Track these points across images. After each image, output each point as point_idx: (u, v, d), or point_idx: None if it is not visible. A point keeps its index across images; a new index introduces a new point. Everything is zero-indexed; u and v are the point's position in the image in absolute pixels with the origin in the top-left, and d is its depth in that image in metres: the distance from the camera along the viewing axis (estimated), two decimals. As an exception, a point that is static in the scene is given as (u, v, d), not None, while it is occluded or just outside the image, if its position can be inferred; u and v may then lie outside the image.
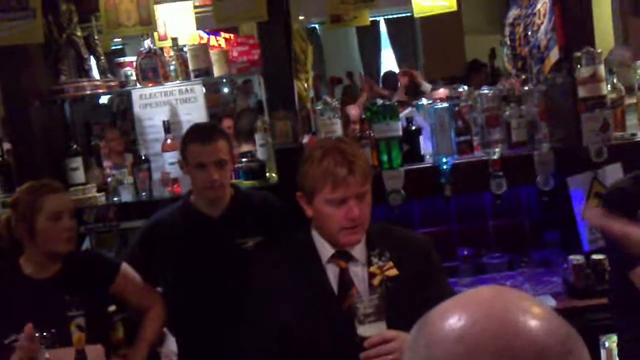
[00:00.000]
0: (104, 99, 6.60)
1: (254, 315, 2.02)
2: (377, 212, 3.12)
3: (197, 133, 2.61)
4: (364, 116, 3.20)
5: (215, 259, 2.59)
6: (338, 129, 3.01)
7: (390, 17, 9.69)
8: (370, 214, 1.99)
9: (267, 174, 3.19)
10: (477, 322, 0.71)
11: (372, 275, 1.95)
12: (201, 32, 3.86)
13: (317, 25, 9.42)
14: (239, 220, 2.61)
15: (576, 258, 2.89)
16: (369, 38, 9.82)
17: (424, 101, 3.39)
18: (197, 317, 2.60)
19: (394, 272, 1.94)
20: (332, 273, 1.98)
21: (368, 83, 5.91)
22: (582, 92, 2.83)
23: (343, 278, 1.97)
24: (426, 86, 4.98)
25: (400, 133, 3.05)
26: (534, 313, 0.72)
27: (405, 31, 9.62)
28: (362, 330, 1.78)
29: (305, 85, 3.04)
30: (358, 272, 1.98)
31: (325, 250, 1.99)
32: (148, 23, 3.16)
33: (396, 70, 9.33)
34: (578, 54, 2.86)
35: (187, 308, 2.61)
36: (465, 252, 3.16)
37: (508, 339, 0.69)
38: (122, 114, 6.23)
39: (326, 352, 1.93)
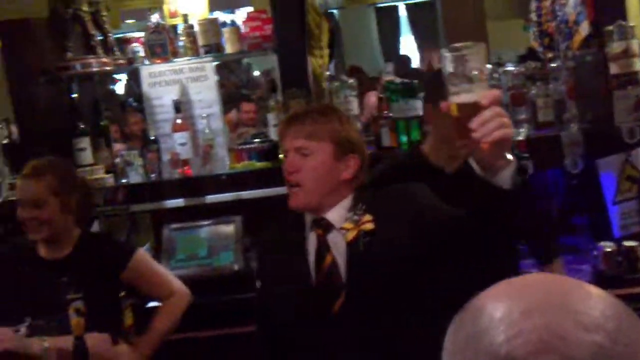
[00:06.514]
0: (114, 85, 6.54)
1: None
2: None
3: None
4: (381, 96, 3.06)
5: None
6: (354, 107, 2.87)
7: (410, 1, 9.48)
8: (325, 180, 1.80)
9: (281, 155, 3.05)
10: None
11: (346, 233, 1.78)
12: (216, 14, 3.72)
13: (335, 11, 9.24)
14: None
15: (607, 245, 2.73)
16: (388, 24, 9.60)
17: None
18: None
19: (370, 225, 1.76)
20: (312, 243, 1.84)
21: None
22: (613, 68, 2.66)
23: (319, 246, 1.82)
24: None
25: (420, 112, 2.90)
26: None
27: (426, 16, 9.40)
28: (469, 95, 1.37)
29: (321, 62, 2.89)
30: (338, 240, 1.80)
31: (309, 218, 1.86)
32: (157, -2, 3.05)
33: (412, 55, 9.15)
34: (609, 28, 2.70)
35: None
36: (488, 238, 3.00)
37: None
38: (136, 99, 6.14)
39: (301, 324, 1.81)
